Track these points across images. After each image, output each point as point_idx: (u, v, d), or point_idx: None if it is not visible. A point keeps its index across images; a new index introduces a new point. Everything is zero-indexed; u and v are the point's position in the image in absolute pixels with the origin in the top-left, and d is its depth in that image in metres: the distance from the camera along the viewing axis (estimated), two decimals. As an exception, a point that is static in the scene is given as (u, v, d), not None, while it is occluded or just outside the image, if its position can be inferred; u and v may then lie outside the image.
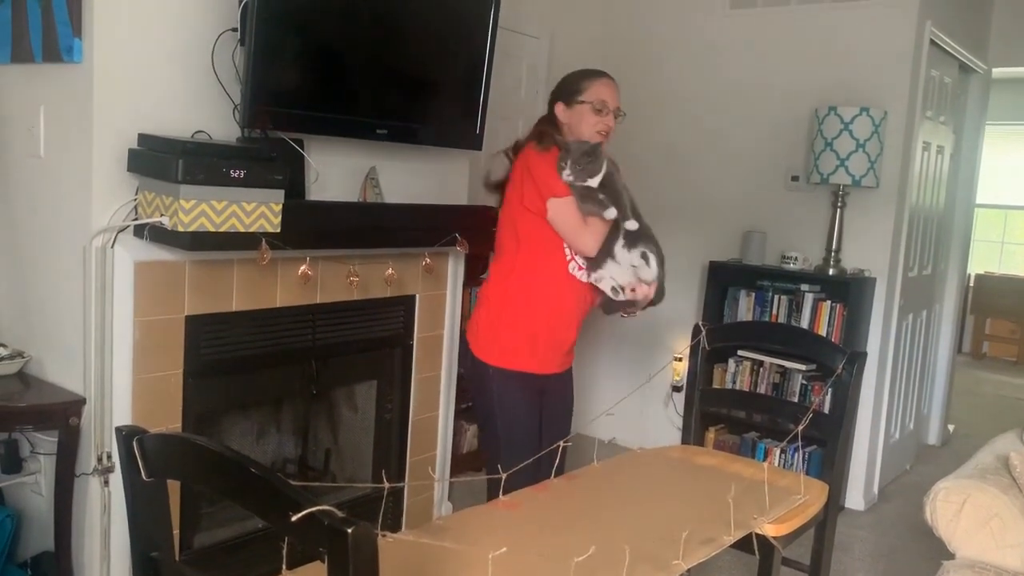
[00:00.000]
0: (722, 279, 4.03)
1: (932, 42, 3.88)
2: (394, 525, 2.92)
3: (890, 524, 3.80)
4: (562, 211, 2.21)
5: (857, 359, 2.10)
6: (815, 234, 3.92)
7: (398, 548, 1.16)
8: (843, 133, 3.59)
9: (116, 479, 2.20)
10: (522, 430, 2.29)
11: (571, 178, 2.16)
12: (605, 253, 2.24)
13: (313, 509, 0.85)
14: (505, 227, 2.34)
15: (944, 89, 4.24)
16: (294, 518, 0.85)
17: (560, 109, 2.36)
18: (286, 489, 0.91)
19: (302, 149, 2.46)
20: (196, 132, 2.25)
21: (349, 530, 0.83)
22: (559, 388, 2.41)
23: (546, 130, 2.33)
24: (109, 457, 2.19)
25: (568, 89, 2.35)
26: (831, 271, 3.76)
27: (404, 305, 2.96)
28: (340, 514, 0.84)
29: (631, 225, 2.20)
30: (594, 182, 2.17)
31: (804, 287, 3.82)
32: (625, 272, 2.23)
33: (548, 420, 2.38)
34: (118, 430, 1.10)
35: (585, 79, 2.34)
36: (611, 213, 2.19)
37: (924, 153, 4.10)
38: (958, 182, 4.82)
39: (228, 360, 2.44)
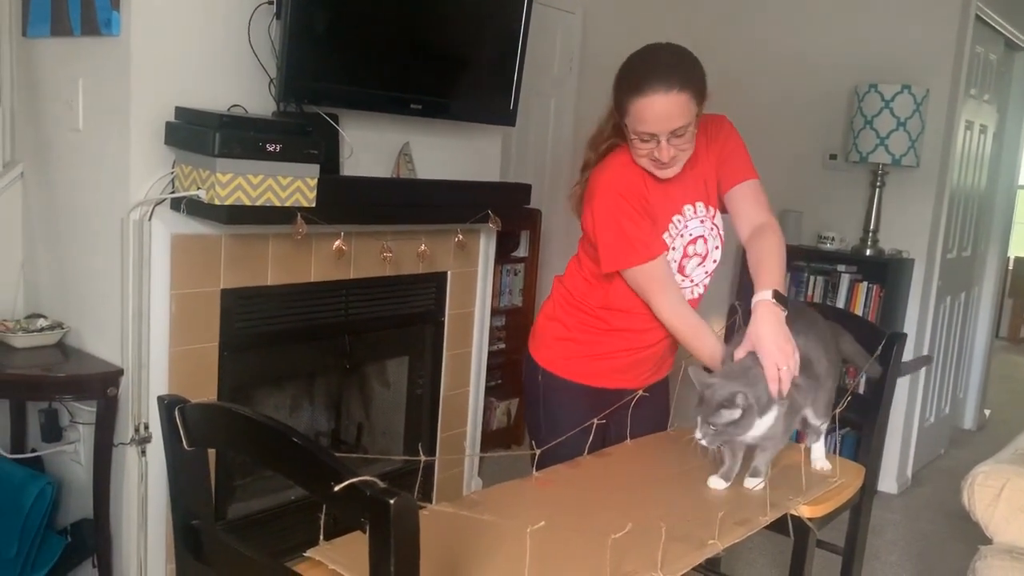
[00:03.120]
0: (756, 259, 3.98)
1: (978, 17, 3.78)
2: (424, 500, 2.94)
3: (923, 508, 3.76)
4: (637, 279, 1.78)
5: (896, 340, 2.06)
6: (853, 214, 3.86)
7: (432, 521, 1.16)
8: (883, 111, 3.52)
9: (153, 449, 2.23)
10: (568, 452, 1.77)
11: (703, 440, 1.56)
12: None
13: (355, 480, 0.85)
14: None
15: (989, 66, 4.14)
16: (336, 488, 0.85)
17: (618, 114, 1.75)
18: (328, 459, 0.92)
19: (337, 124, 2.45)
20: (232, 106, 2.26)
21: (391, 501, 0.83)
22: (640, 405, 1.85)
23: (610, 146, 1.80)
24: (146, 427, 2.22)
25: (615, 97, 1.73)
26: (868, 252, 3.70)
27: (436, 282, 2.96)
28: (382, 485, 0.84)
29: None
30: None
31: (841, 268, 3.77)
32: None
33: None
34: (160, 399, 1.11)
35: (627, 92, 1.67)
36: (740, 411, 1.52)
37: (967, 132, 4.01)
38: (1001, 163, 4.72)
39: (263, 334, 2.46)
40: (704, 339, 1.79)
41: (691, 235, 1.85)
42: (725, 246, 1.97)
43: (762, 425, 1.59)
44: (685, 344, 1.83)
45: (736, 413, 1.52)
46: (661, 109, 1.64)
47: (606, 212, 1.75)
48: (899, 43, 3.74)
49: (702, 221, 1.87)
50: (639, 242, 1.75)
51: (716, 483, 1.69)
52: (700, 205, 1.86)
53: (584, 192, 1.83)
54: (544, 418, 1.92)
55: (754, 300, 1.68)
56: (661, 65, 1.67)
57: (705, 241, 1.89)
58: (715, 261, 1.94)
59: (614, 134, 1.81)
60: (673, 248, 1.83)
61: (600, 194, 1.76)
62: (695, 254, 1.88)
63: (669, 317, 1.79)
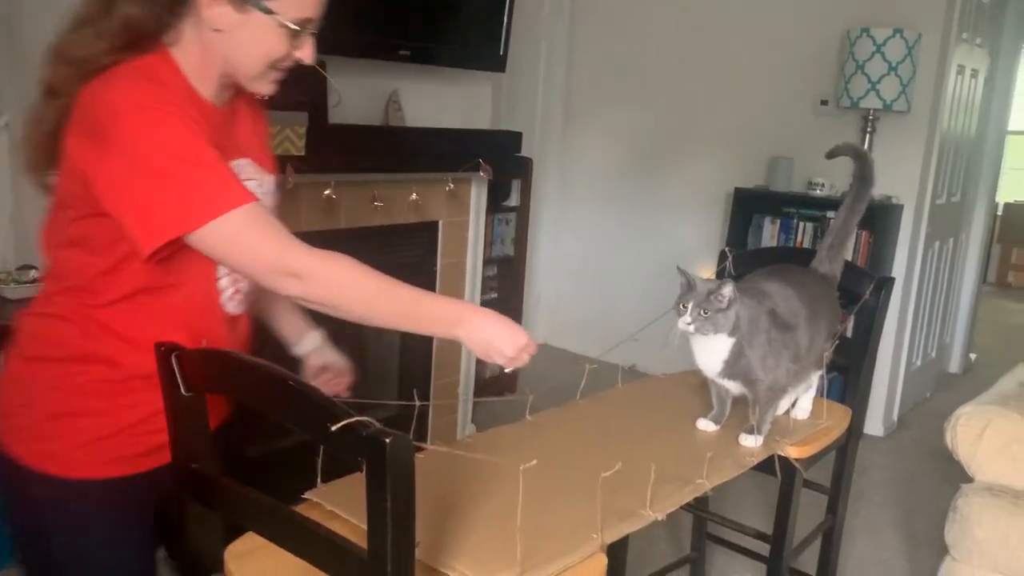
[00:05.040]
0: (747, 206, 3.99)
1: (971, -41, 3.74)
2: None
3: (909, 450, 3.84)
4: (238, 236, 1.12)
5: (885, 284, 2.09)
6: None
7: (427, 463, 1.19)
8: (875, 55, 3.49)
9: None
10: None
11: (691, 326, 1.58)
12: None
13: (351, 420, 0.87)
14: (60, 215, 1.21)
15: (981, 10, 4.10)
16: (333, 428, 0.87)
17: (210, 2, 1.13)
18: (324, 401, 0.94)
19: (324, 70, 2.43)
20: (218, 53, 2.23)
21: (387, 440, 0.85)
22: None
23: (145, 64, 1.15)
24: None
25: None
26: (858, 198, 3.71)
27: (428, 231, 2.97)
28: (378, 424, 0.86)
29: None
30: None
31: (830, 214, 3.78)
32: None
33: None
34: (157, 346, 1.13)
35: None
36: None
37: (958, 77, 3.99)
38: (991, 108, 4.71)
39: (255, 284, 2.47)
40: (395, 289, 1.30)
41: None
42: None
43: (718, 346, 1.61)
44: (365, 316, 1.28)
45: (723, 301, 1.56)
46: None
47: (158, 141, 1.07)
48: (892, -14, 3.70)
49: (260, 185, 1.31)
50: (229, 178, 1.13)
51: (705, 424, 1.72)
52: (252, 164, 1.31)
53: (77, 127, 1.12)
54: (60, 555, 1.23)
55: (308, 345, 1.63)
56: None
57: None
58: None
59: (123, 44, 1.17)
60: None
61: (136, 114, 1.08)
62: None
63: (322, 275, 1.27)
